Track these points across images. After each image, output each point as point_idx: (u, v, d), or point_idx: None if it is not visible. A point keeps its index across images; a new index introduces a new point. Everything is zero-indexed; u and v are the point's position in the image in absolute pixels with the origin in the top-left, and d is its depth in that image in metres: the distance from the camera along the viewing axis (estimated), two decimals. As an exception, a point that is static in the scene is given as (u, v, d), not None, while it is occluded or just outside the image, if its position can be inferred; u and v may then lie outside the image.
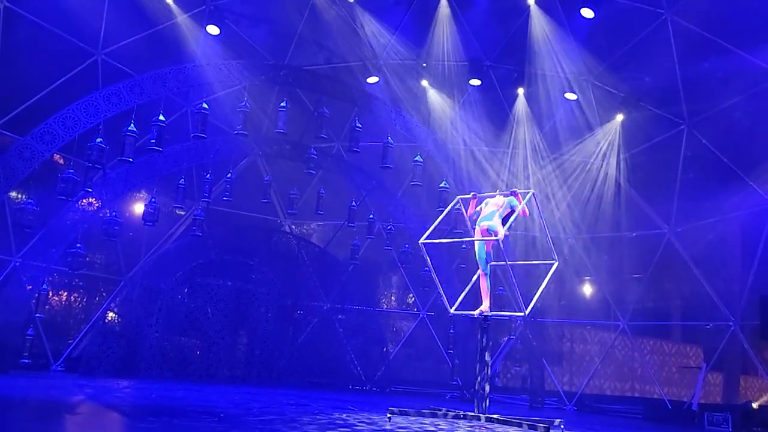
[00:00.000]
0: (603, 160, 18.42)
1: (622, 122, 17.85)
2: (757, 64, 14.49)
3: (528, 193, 9.79)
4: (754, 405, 14.24)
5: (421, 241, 9.58)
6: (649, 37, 16.14)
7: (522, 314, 9.61)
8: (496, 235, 9.09)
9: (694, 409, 14.95)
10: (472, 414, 9.25)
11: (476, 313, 9.48)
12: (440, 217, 10.19)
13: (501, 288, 18.17)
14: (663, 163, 17.65)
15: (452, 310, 9.93)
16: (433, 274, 10.25)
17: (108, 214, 15.59)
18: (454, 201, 10.29)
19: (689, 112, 16.57)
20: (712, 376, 17.85)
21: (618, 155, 18.19)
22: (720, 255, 16.91)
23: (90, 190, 14.92)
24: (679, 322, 19.62)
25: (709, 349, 17.57)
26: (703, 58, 15.58)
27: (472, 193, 9.96)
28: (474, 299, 10.48)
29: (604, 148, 18.28)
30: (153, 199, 16.21)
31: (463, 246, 16.36)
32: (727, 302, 16.31)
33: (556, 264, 10.08)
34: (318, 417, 9.07)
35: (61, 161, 15.97)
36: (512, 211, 9.37)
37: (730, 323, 16.09)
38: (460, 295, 10.33)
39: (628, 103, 17.43)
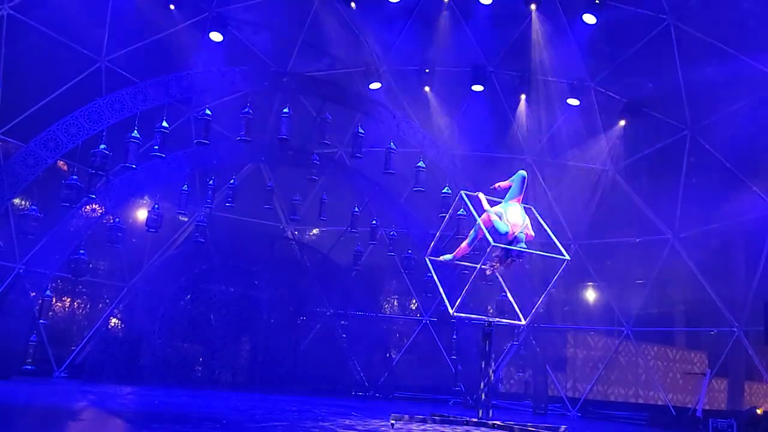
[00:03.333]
0: (606, 166, 18.41)
1: (625, 128, 17.84)
2: (760, 69, 14.47)
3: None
4: (759, 411, 14.16)
5: (426, 257, 9.56)
6: (651, 42, 16.15)
7: (523, 323, 9.61)
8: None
9: (698, 416, 14.89)
10: (476, 420, 9.22)
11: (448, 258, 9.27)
12: (444, 222, 10.18)
13: (503, 293, 18.13)
14: (666, 168, 17.62)
15: (452, 312, 9.90)
16: (439, 287, 10.15)
17: (111, 221, 15.59)
18: (458, 197, 10.10)
19: (692, 118, 16.55)
20: (716, 382, 17.79)
21: (621, 161, 18.17)
22: (724, 260, 16.87)
23: (93, 196, 14.87)
24: (683, 328, 19.60)
25: (713, 355, 17.53)
26: (706, 64, 15.55)
27: (478, 193, 9.85)
28: (473, 302, 10.45)
29: (606, 154, 18.27)
30: (156, 206, 16.21)
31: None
32: (731, 308, 16.25)
33: (567, 258, 9.87)
34: (321, 423, 9.05)
35: (65, 168, 16.00)
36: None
37: (734, 329, 16.03)
38: (465, 300, 10.29)
39: (630, 108, 17.43)
